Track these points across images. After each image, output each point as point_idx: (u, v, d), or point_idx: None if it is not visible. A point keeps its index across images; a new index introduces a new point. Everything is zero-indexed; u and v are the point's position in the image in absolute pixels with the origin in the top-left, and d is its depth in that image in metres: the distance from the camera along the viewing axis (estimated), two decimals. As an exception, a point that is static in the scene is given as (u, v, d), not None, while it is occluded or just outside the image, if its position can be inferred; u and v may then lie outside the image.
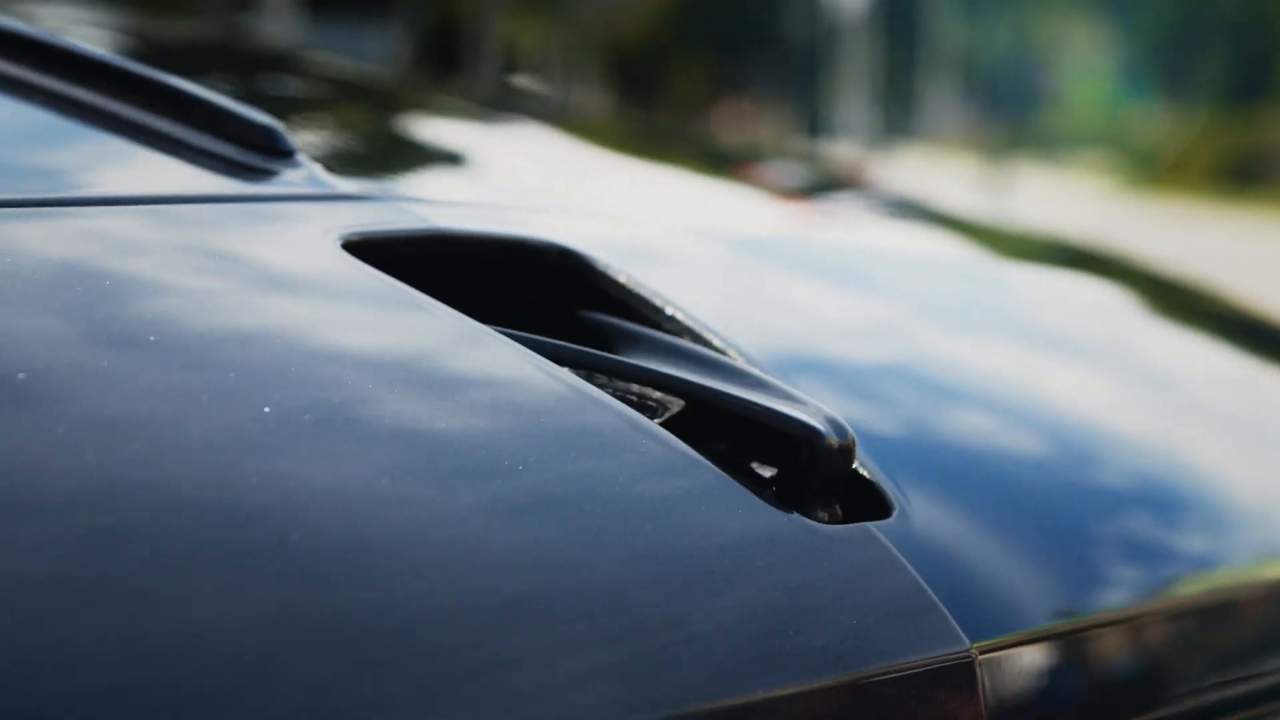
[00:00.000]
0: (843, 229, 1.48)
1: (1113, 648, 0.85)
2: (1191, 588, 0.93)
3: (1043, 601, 0.82)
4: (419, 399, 0.72)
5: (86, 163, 0.97)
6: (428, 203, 0.98)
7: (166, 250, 0.81)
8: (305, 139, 1.25)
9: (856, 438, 0.76)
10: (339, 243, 0.83)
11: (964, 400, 1.01)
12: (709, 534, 0.71)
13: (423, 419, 0.71)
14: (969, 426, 0.97)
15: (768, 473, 0.77)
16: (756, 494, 0.74)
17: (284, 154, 0.95)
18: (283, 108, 1.44)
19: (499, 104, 1.88)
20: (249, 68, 1.69)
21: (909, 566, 0.75)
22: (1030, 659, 0.79)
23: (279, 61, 1.86)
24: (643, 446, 0.74)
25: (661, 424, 0.76)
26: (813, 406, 0.77)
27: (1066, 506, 0.90)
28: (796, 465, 0.75)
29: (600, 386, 0.76)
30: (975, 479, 0.88)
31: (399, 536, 0.63)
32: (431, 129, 1.59)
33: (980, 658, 0.74)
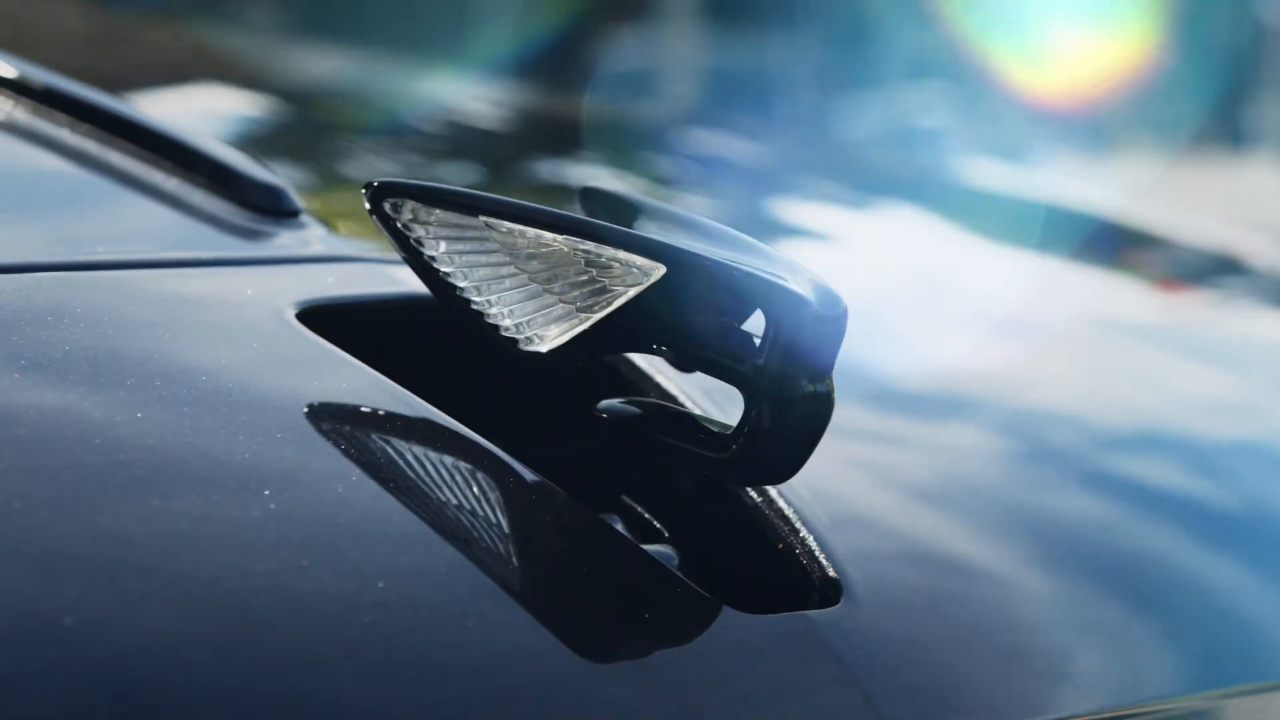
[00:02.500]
0: (1215, 314, 1.48)
1: None
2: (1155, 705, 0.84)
3: (985, 706, 0.76)
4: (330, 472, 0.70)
5: (70, 222, 0.96)
6: None
7: (96, 316, 0.80)
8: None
9: (848, 310, 0.72)
10: (294, 310, 0.83)
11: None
12: (619, 619, 0.68)
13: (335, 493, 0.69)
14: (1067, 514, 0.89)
15: (757, 340, 0.74)
16: (679, 577, 0.70)
17: (289, 214, 0.95)
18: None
19: (883, 181, 1.90)
20: (608, 146, 1.75)
21: (842, 660, 0.70)
22: None
23: (641, 140, 1.90)
24: (563, 524, 0.72)
25: (644, 291, 0.73)
26: (805, 275, 0.73)
27: (1037, 612, 0.82)
28: (780, 334, 0.72)
29: (585, 252, 0.75)
30: (979, 571, 0.82)
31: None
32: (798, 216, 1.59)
33: None
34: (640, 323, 0.76)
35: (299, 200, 0.96)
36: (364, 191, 0.78)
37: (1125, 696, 0.81)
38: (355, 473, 0.71)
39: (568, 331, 0.76)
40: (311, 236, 0.95)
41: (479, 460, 0.75)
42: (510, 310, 0.77)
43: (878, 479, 0.90)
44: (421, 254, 0.78)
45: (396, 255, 0.94)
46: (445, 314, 0.79)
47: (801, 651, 0.70)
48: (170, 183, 0.97)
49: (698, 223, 0.82)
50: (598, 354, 0.77)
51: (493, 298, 0.77)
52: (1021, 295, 1.35)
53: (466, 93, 2.00)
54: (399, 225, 0.78)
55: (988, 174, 2.14)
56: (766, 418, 0.72)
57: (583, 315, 0.76)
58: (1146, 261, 1.74)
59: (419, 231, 0.78)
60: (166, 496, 0.65)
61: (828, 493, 0.83)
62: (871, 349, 0.93)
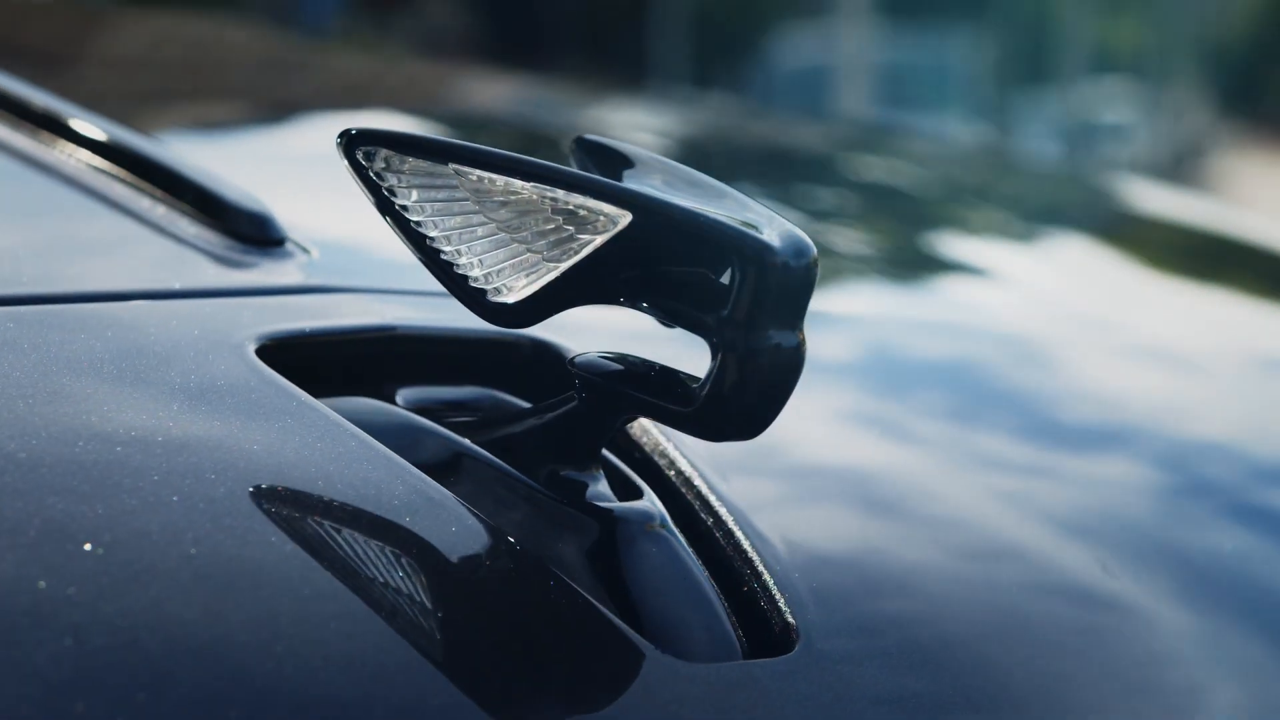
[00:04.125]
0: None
1: None
2: None
3: None
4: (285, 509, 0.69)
5: (47, 251, 0.95)
6: (414, 295, 0.93)
7: (47, 352, 0.78)
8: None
9: (818, 258, 0.70)
10: (254, 344, 0.81)
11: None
12: (554, 667, 0.65)
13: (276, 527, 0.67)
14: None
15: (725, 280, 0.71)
16: (614, 623, 0.68)
17: (274, 242, 0.95)
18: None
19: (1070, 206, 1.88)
20: (777, 171, 1.74)
21: (784, 712, 0.67)
22: None
23: (811, 166, 1.90)
24: (501, 568, 0.70)
25: (610, 239, 0.72)
26: (777, 224, 0.71)
27: (1018, 657, 0.78)
28: (745, 283, 0.70)
29: (552, 199, 0.73)
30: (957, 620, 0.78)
31: None
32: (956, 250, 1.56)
33: None
34: (609, 272, 0.73)
35: (285, 228, 0.95)
36: (337, 141, 0.76)
37: None
38: (285, 516, 0.69)
39: (535, 281, 0.74)
40: (293, 266, 0.94)
41: (419, 502, 0.72)
42: (480, 260, 0.75)
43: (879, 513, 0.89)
44: (394, 204, 0.76)
45: (376, 285, 0.93)
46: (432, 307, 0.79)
47: (733, 695, 0.67)
48: (156, 210, 0.96)
49: (686, 173, 0.79)
50: (566, 305, 0.75)
51: (462, 247, 0.75)
52: (1165, 322, 1.32)
53: (630, 121, 2.00)
54: (371, 174, 0.76)
55: (1148, 198, 2.11)
56: (731, 371, 0.69)
57: (550, 265, 0.74)
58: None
59: (391, 180, 0.76)
60: (80, 541, 0.63)
61: (790, 526, 0.82)
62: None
